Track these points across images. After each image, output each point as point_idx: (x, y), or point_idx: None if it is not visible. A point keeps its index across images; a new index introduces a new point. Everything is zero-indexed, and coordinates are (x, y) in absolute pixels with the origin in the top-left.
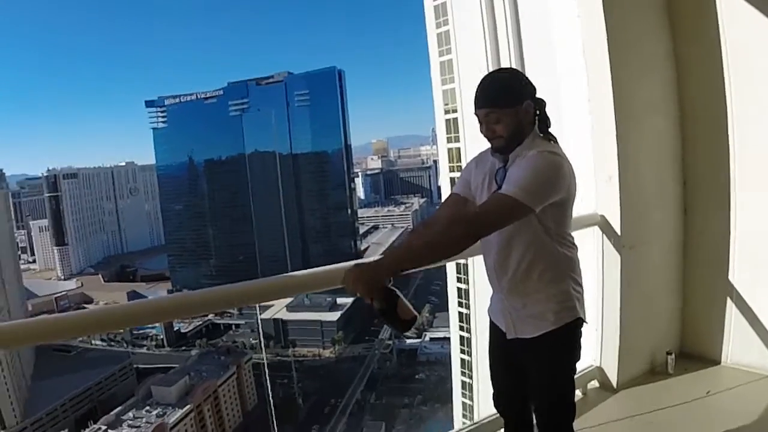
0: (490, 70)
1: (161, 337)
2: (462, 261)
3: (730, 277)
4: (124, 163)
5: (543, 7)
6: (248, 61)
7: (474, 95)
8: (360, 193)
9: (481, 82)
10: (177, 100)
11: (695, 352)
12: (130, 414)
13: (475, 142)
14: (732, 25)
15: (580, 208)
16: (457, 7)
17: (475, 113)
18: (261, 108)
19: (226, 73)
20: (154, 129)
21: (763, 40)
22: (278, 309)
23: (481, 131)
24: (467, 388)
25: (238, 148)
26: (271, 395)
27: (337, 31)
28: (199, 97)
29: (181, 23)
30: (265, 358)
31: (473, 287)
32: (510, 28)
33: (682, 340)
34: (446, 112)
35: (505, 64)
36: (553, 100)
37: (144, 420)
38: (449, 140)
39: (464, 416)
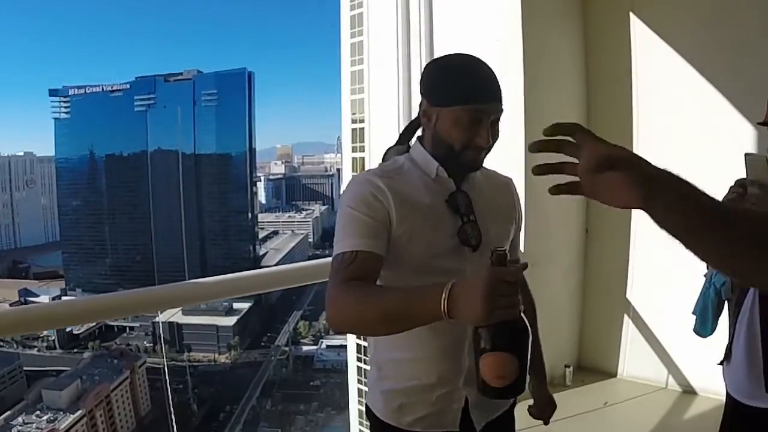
0: (401, 84)
1: (53, 338)
2: None
3: (628, 295)
4: (22, 153)
5: (460, 29)
6: (158, 56)
7: (472, 83)
8: (261, 197)
9: (478, 69)
10: (82, 90)
11: (593, 365)
12: (20, 419)
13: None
14: (644, 56)
15: None
16: (373, 19)
17: (478, 108)
18: (167, 105)
19: (134, 66)
20: (56, 119)
21: (671, 72)
22: (173, 312)
23: (470, 137)
24: (363, 395)
25: (141, 144)
26: (169, 401)
27: (250, 32)
28: (105, 89)
29: (91, 11)
30: (165, 362)
31: None
32: (424, 44)
33: (580, 354)
34: (353, 121)
35: (416, 80)
36: None
37: (34, 425)
38: (354, 149)
39: (360, 423)
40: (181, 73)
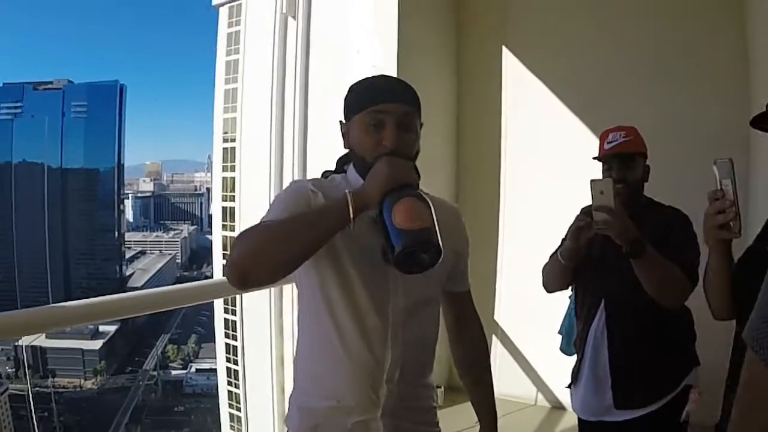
0: (274, 105)
1: None
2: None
3: (496, 317)
4: None
5: (336, 54)
6: (27, 62)
7: (372, 88)
8: (129, 215)
9: (380, 77)
10: None
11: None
12: None
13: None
14: (514, 88)
15: None
16: (250, 38)
17: (377, 109)
18: (35, 114)
19: (0, 71)
20: None
21: (539, 104)
22: (36, 335)
23: (377, 141)
24: (235, 420)
25: (5, 155)
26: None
27: (123, 42)
28: None
29: None
30: (29, 389)
31: (241, 318)
32: (299, 66)
33: (450, 375)
34: (225, 140)
35: (290, 101)
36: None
37: None
38: (225, 168)
39: None
40: (51, 82)
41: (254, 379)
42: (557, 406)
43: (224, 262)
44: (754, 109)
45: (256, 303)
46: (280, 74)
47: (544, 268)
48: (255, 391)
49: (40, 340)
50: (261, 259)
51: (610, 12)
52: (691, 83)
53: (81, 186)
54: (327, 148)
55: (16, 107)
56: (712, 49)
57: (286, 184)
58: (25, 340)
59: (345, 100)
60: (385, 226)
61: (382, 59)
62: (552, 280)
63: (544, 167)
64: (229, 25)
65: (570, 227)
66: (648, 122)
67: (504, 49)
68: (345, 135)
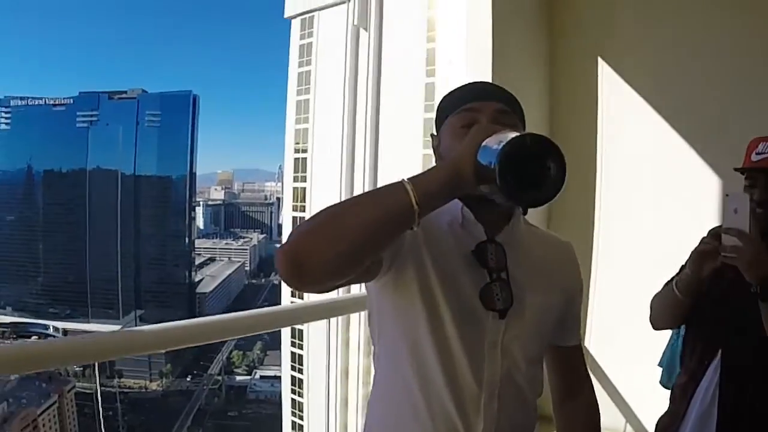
0: (346, 116)
1: None
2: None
3: (586, 344)
4: None
5: (407, 65)
6: (103, 72)
7: (463, 90)
8: (200, 223)
9: (472, 81)
10: (24, 102)
11: None
12: None
13: (323, 183)
14: (610, 100)
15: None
16: (322, 50)
17: (469, 107)
18: (110, 123)
19: (77, 80)
20: None
21: (636, 116)
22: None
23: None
24: (297, 428)
25: (80, 162)
26: (99, 428)
27: (198, 54)
28: (47, 102)
29: (35, 21)
30: (97, 388)
31: (307, 328)
32: (371, 78)
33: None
34: (296, 150)
35: (361, 113)
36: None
37: None
38: (296, 179)
39: None
40: (125, 92)
41: (318, 389)
42: None
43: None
44: None
45: None
46: (352, 86)
47: (653, 299)
48: (318, 401)
49: None
50: (320, 240)
51: (707, 14)
52: None
53: (153, 193)
54: (398, 161)
55: (92, 116)
56: None
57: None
58: None
59: (436, 110)
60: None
61: (474, 68)
62: (662, 316)
63: (644, 183)
64: (302, 37)
65: (692, 252)
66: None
67: (600, 60)
68: (436, 148)
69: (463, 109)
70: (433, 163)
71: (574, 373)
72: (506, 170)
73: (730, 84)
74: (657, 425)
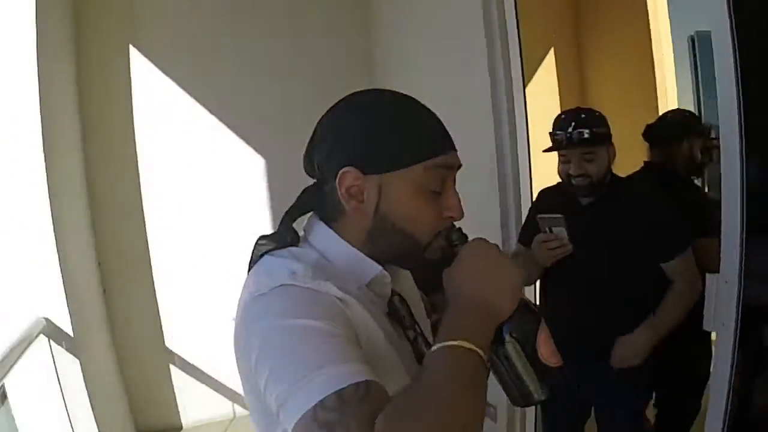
0: None
1: None
2: None
3: (168, 344)
4: None
5: None
6: None
7: (436, 127)
8: None
9: (427, 109)
10: None
11: (157, 424)
12: None
13: None
14: (144, 86)
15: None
16: None
17: (448, 159)
18: None
19: None
20: None
21: (174, 104)
22: None
23: (438, 210)
24: None
25: None
26: None
27: None
28: None
29: None
30: None
31: None
32: None
33: (138, 417)
34: None
35: None
36: None
37: None
38: None
39: None
40: None
41: None
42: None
43: None
44: None
45: None
46: None
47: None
48: None
49: None
50: None
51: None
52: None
53: None
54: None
55: None
56: (337, 49)
57: None
58: None
59: (372, 137)
60: (507, 362)
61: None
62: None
63: (187, 171)
64: None
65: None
66: (281, 119)
67: (132, 48)
68: (361, 193)
69: (438, 164)
70: (344, 204)
71: None
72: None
73: (268, 75)
74: None
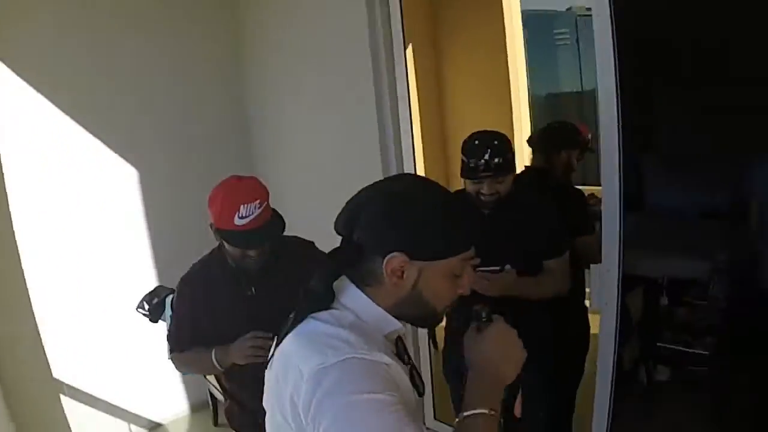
0: None
1: None
2: None
3: (56, 375)
4: None
5: None
6: None
7: (473, 225)
8: None
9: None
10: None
11: None
12: None
13: None
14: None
15: None
16: None
17: (472, 253)
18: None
19: None
20: None
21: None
22: None
23: (455, 289)
24: None
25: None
26: None
27: None
28: None
29: None
30: None
31: None
32: None
33: None
34: None
35: None
36: None
37: None
38: None
39: None
40: None
41: None
42: (157, 424)
43: None
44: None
45: None
46: None
47: None
48: None
49: None
50: None
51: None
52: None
53: None
54: None
55: None
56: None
57: None
58: None
59: (426, 228)
60: None
61: None
62: None
63: (53, 175)
64: None
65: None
66: (148, 128)
67: None
68: (402, 273)
69: (466, 257)
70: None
71: None
72: None
73: (125, 76)
74: None
